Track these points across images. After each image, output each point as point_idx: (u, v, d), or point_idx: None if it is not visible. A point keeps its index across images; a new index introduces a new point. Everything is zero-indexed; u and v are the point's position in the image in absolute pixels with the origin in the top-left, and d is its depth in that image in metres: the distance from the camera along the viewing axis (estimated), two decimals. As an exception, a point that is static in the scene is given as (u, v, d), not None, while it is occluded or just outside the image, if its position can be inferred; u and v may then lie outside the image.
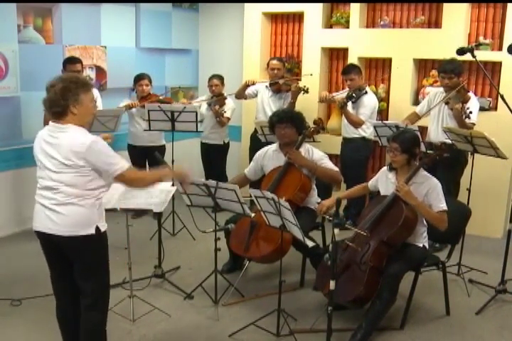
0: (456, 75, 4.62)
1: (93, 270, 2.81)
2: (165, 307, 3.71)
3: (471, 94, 4.72)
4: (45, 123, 4.74)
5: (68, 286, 2.90)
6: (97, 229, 2.73)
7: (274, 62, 5.52)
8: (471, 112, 4.41)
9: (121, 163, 2.72)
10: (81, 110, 2.69)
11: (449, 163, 4.46)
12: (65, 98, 2.64)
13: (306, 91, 5.20)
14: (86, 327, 2.86)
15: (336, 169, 4.16)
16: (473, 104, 4.62)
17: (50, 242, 2.77)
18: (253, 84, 5.51)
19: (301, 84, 5.51)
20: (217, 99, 5.70)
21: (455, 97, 4.55)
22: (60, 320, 2.98)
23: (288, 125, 4.08)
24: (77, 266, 2.80)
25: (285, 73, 5.78)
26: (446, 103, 4.63)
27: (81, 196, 2.69)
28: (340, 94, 5.24)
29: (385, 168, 3.75)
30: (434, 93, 4.93)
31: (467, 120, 4.45)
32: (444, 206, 3.45)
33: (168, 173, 3.08)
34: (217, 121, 5.73)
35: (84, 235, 2.70)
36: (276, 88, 5.48)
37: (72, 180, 2.66)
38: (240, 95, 5.66)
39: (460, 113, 4.42)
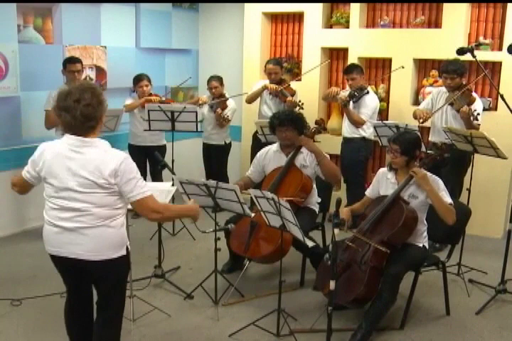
0: (459, 76, 4.62)
1: (118, 287, 2.73)
2: (165, 307, 3.71)
3: (475, 95, 4.72)
4: (49, 123, 4.79)
5: (86, 302, 2.83)
6: (127, 248, 2.66)
7: (271, 66, 5.48)
8: (478, 114, 4.42)
9: (146, 188, 2.55)
10: (103, 120, 2.61)
11: (453, 163, 4.46)
12: (99, 110, 2.53)
13: (301, 107, 5.15)
14: (103, 338, 2.79)
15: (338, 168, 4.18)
16: (479, 105, 4.62)
17: (73, 267, 2.62)
18: (275, 90, 5.38)
19: (300, 85, 5.52)
20: (219, 101, 5.69)
21: (460, 99, 4.54)
22: (70, 327, 2.89)
23: (289, 128, 4.07)
24: (103, 285, 2.70)
25: (284, 74, 5.77)
26: (451, 104, 4.63)
27: (111, 217, 2.54)
28: (344, 92, 5.23)
29: (381, 170, 3.75)
30: (437, 92, 4.92)
31: (475, 122, 4.46)
32: (449, 200, 3.45)
33: (193, 211, 2.84)
34: (216, 123, 5.74)
35: (117, 257, 2.59)
36: (274, 93, 5.45)
37: (102, 200, 2.48)
38: (254, 99, 5.62)
39: (468, 115, 4.42)
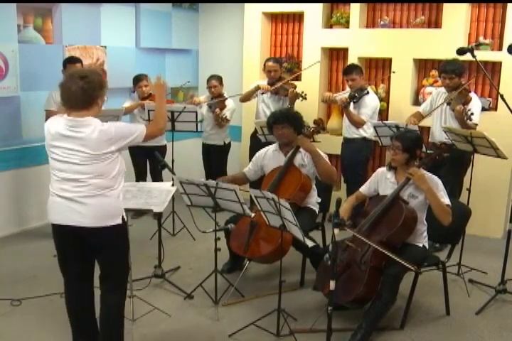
0: (457, 76, 4.62)
1: (119, 255, 2.91)
2: (165, 307, 3.71)
3: (472, 94, 4.72)
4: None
5: (81, 282, 2.96)
6: (122, 218, 2.84)
7: (270, 63, 5.48)
8: (472, 114, 4.41)
9: (139, 127, 2.87)
10: (100, 105, 2.83)
11: (452, 163, 4.45)
12: (98, 90, 2.76)
13: (304, 97, 5.17)
14: (108, 310, 2.92)
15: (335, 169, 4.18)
16: (475, 104, 4.62)
17: (71, 234, 2.81)
18: (268, 90, 5.42)
19: (300, 85, 5.51)
20: (218, 101, 5.69)
21: (457, 98, 4.55)
22: (72, 317, 3.00)
23: (285, 125, 4.08)
24: (103, 254, 2.87)
25: (283, 73, 5.76)
26: (448, 104, 4.64)
27: (108, 187, 2.76)
28: (342, 95, 5.23)
29: (381, 170, 3.75)
30: (437, 92, 4.92)
31: (469, 121, 4.46)
32: (447, 201, 3.45)
33: (162, 99, 3.17)
34: (215, 123, 5.74)
35: (113, 225, 2.79)
36: (273, 90, 5.45)
37: (99, 169, 2.71)
38: (247, 99, 5.62)
39: (461, 114, 4.43)
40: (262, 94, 5.50)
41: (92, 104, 2.76)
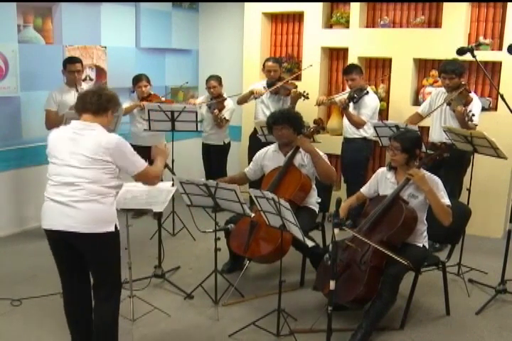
0: (457, 76, 4.62)
1: (110, 264, 2.90)
2: (165, 307, 3.71)
3: (473, 95, 4.72)
4: (49, 123, 4.78)
5: (79, 283, 2.97)
6: (115, 226, 2.83)
7: (270, 63, 5.48)
8: (473, 115, 4.41)
9: (142, 161, 2.91)
10: (110, 118, 2.93)
11: (452, 163, 4.46)
12: (111, 103, 2.89)
13: (307, 97, 5.16)
14: (102, 319, 2.92)
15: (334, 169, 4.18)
16: (476, 105, 4.62)
17: (63, 240, 2.81)
18: (261, 95, 5.43)
19: (300, 85, 5.51)
20: (217, 101, 5.68)
21: (457, 99, 4.54)
22: (70, 318, 3.01)
23: (284, 126, 4.08)
24: (94, 262, 2.87)
25: (283, 73, 5.76)
26: (449, 104, 4.64)
27: (103, 194, 2.76)
28: (341, 96, 5.22)
29: (381, 170, 3.75)
30: (436, 93, 4.92)
31: (469, 122, 4.45)
32: (447, 201, 3.45)
33: (163, 161, 3.18)
34: (215, 124, 5.74)
35: (105, 232, 2.77)
36: (274, 90, 5.45)
37: (96, 176, 2.74)
38: (243, 101, 5.63)
39: (463, 115, 4.42)
40: (256, 98, 5.50)
41: (102, 112, 2.86)
